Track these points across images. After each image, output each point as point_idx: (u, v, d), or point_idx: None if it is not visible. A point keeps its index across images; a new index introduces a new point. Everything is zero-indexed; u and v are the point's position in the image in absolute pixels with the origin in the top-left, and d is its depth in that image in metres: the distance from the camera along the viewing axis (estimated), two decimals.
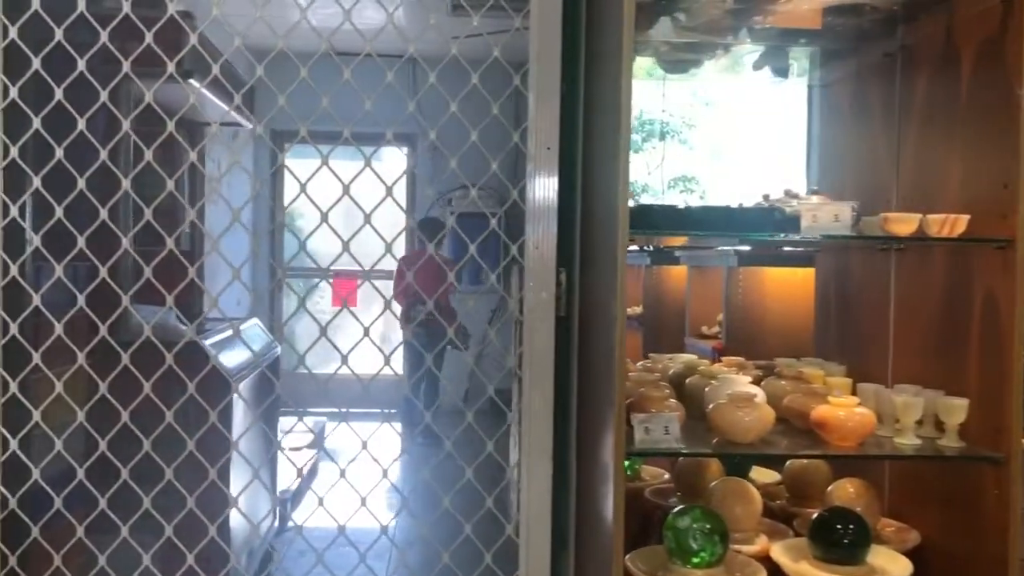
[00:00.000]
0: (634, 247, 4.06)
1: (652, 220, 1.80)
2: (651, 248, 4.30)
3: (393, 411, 7.48)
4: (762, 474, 2.51)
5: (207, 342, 3.35)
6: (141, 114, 2.19)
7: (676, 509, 1.88)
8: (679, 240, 3.83)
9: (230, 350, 3.60)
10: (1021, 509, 1.79)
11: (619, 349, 1.71)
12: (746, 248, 3.95)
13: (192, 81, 3.19)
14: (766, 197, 2.25)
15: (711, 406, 1.90)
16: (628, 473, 2.37)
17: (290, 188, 7.19)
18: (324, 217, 2.12)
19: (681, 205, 1.84)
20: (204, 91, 3.30)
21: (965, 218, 1.82)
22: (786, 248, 4.01)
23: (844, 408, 1.87)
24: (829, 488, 2.15)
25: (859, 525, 1.86)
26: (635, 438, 1.79)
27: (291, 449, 5.93)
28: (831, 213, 1.82)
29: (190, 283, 2.29)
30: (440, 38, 2.08)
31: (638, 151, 8.43)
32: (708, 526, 1.82)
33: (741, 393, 1.88)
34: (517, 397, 4.38)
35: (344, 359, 2.14)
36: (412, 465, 5.65)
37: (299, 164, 2.20)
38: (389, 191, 2.18)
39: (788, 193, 2.18)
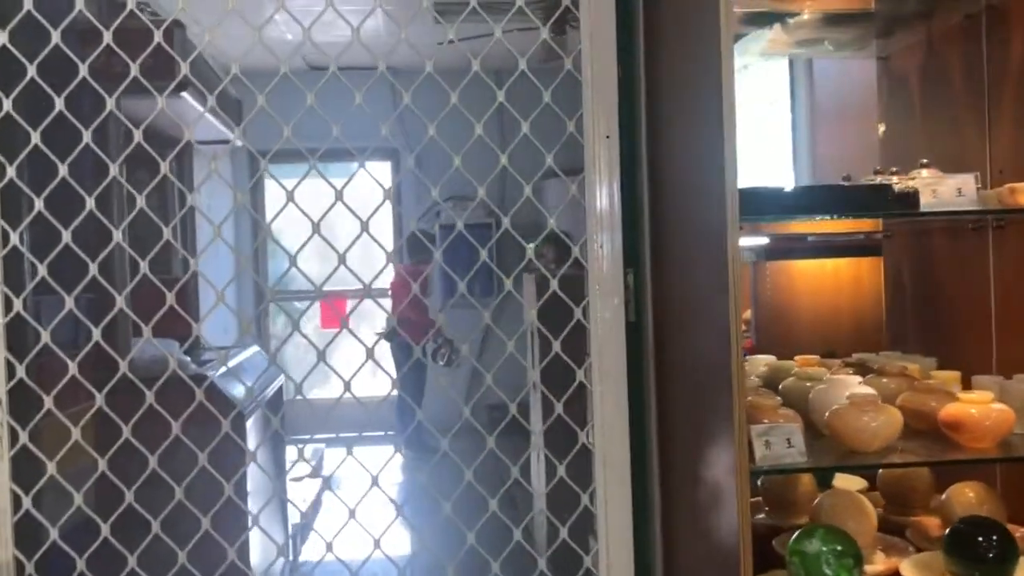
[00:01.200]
0: None
1: (759, 205, 1.59)
2: None
3: (391, 433, 7.24)
4: (847, 481, 2.30)
5: (214, 374, 3.10)
6: (128, 132, 1.95)
7: (799, 531, 1.66)
8: None
9: (236, 381, 3.35)
10: None
11: (736, 354, 1.50)
12: (765, 240, 3.77)
13: (185, 95, 2.95)
14: (846, 178, 2.05)
15: (829, 411, 1.69)
16: None
17: (272, 208, 6.92)
18: (316, 228, 1.89)
19: (787, 187, 1.63)
20: (197, 106, 3.07)
21: None
22: (811, 238, 3.84)
23: (977, 405, 1.67)
24: (944, 495, 1.94)
25: (1003, 536, 1.66)
26: (755, 454, 1.57)
27: (292, 480, 5.65)
28: (953, 187, 1.62)
29: (186, 312, 2.02)
30: (421, 48, 1.89)
31: None
32: (839, 548, 1.61)
33: (863, 395, 1.67)
34: (540, 413, 4.16)
35: (347, 385, 1.91)
36: (422, 491, 5.42)
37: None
38: (386, 195, 1.96)
39: (876, 171, 1.99)
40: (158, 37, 1.87)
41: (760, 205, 1.60)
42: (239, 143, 4.29)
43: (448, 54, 1.96)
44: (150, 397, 1.88)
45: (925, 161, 1.77)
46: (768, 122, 5.43)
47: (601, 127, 2.00)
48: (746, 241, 3.93)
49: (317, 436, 6.16)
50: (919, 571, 1.72)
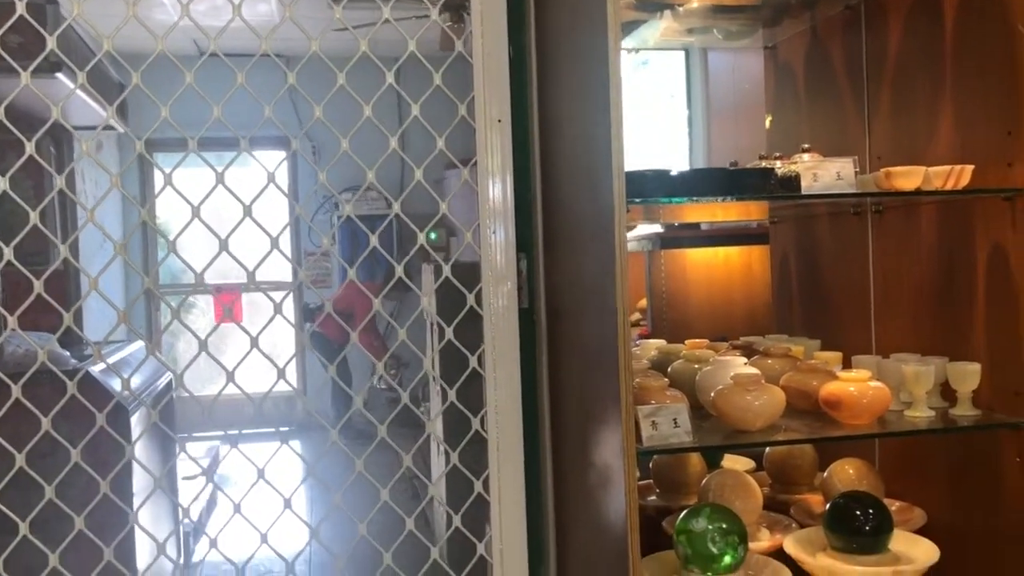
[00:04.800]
0: None
1: (646, 188, 1.60)
2: None
3: (287, 429, 7.09)
4: (735, 462, 2.35)
5: (95, 369, 2.96)
6: None
7: (686, 511, 1.68)
8: None
9: (120, 376, 3.21)
10: None
11: (623, 337, 1.49)
12: (659, 229, 3.83)
13: (60, 76, 2.80)
14: (733, 164, 2.08)
15: (714, 392, 1.72)
16: None
17: (163, 197, 6.69)
18: (196, 211, 1.81)
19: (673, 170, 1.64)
20: (72, 88, 2.92)
21: (970, 168, 1.70)
22: (704, 227, 3.92)
23: (856, 383, 1.72)
24: (826, 472, 2.00)
25: (879, 509, 1.71)
26: (642, 435, 1.58)
27: (185, 478, 5.47)
28: (832, 171, 1.66)
29: (63, 305, 1.91)
30: (315, 34, 1.83)
31: None
32: (724, 526, 1.63)
33: (747, 375, 1.70)
34: (441, 402, 4.12)
35: (231, 376, 1.85)
36: (319, 487, 5.32)
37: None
38: (270, 178, 1.90)
39: (761, 156, 2.03)
40: (20, 9, 1.77)
41: (646, 187, 1.60)
42: (122, 131, 4.11)
43: (350, 42, 1.90)
44: (16, 391, 1.78)
45: (806, 146, 1.81)
46: (667, 115, 5.52)
47: (493, 111, 1.98)
48: (641, 230, 3.98)
49: (217, 433, 5.99)
50: (801, 546, 1.76)
